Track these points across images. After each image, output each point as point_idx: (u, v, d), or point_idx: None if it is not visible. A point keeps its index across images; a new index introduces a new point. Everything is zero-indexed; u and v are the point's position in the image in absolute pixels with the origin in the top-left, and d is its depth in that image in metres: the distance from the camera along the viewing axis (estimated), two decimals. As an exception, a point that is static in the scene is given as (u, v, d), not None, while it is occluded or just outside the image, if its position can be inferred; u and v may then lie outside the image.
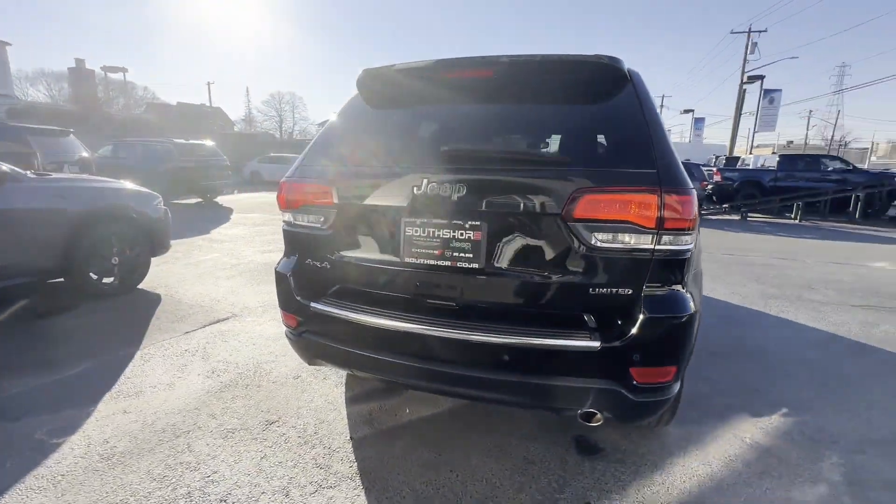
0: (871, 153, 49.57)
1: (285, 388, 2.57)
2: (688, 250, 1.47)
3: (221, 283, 4.65)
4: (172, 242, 4.84)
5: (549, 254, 1.52)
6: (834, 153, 32.21)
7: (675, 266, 1.48)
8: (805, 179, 13.29)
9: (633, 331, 1.42)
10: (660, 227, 1.39)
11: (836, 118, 56.88)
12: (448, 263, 1.59)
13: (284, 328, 2.06)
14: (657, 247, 1.42)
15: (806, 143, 53.46)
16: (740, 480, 1.88)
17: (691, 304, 1.49)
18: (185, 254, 5.88)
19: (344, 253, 1.77)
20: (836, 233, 9.72)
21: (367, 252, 1.74)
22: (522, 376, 1.52)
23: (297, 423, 2.24)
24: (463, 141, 1.72)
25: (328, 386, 2.61)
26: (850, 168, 13.77)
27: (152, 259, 4.49)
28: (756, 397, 2.55)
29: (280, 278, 1.93)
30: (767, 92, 24.46)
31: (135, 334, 3.28)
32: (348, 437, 2.14)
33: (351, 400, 2.47)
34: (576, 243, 1.47)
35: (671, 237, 1.42)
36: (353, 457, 2.00)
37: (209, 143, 12.66)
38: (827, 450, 2.10)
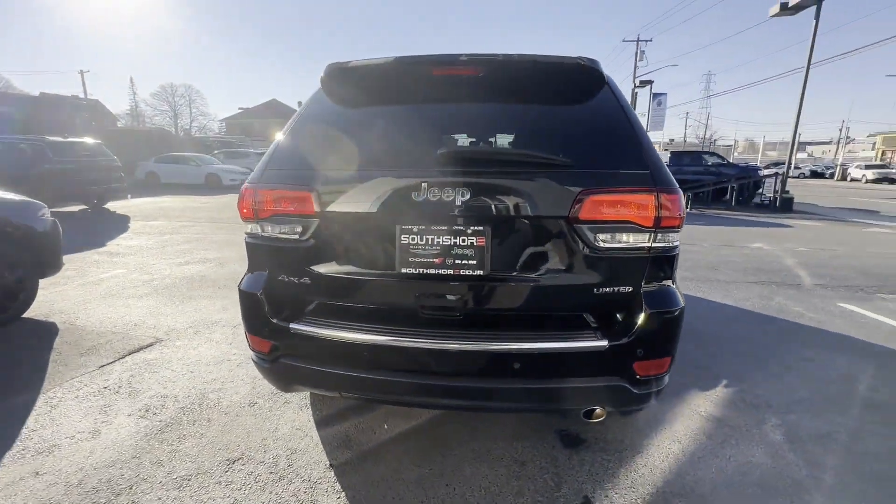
0: (734, 150, 58.18)
1: (242, 419, 2.29)
2: (677, 247, 1.56)
3: (135, 303, 4.03)
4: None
5: (554, 256, 1.52)
6: (707, 150, 37.21)
7: (668, 263, 1.56)
8: (691, 173, 15.15)
9: (637, 327, 1.48)
10: (656, 226, 1.46)
11: (707, 119, 65.88)
12: (450, 272, 1.51)
13: (252, 354, 1.82)
14: (653, 245, 1.49)
15: (685, 141, 61.19)
16: (707, 452, 2.06)
17: (681, 297, 1.59)
18: (79, 272, 5.01)
19: (327, 266, 1.59)
20: (719, 219, 11.20)
21: (356, 264, 1.59)
22: (531, 382, 1.50)
23: (266, 456, 2.01)
24: (453, 142, 1.64)
25: (291, 410, 2.37)
26: (725, 162, 16.00)
27: (41, 281, 3.75)
28: (700, 373, 2.82)
29: (247, 298, 1.69)
30: (656, 95, 27.43)
31: (31, 375, 2.70)
32: (328, 465, 1.96)
33: (321, 423, 2.27)
34: (580, 245, 1.48)
35: (665, 235, 1.49)
36: (338, 486, 1.84)
37: (92, 140, 10.92)
38: (765, 413, 2.39)
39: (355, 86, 1.80)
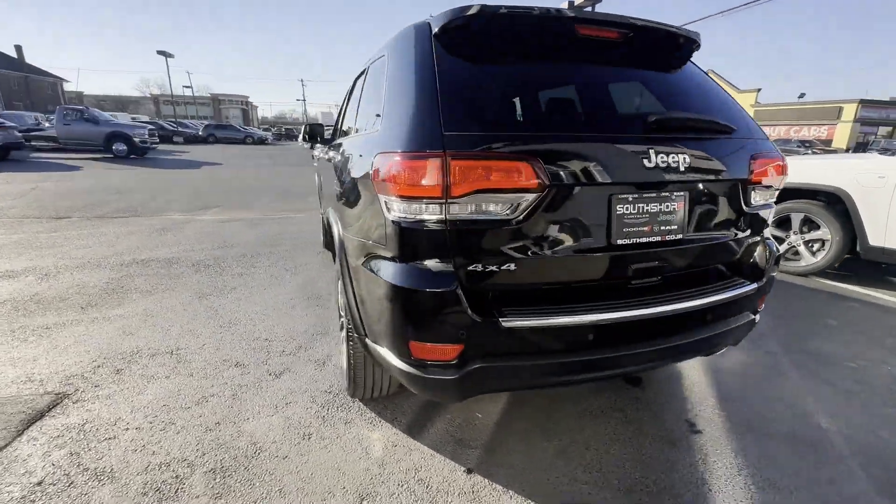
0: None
1: (312, 456, 1.81)
2: None
3: (-53, 352, 2.53)
4: None
5: (728, 215, 1.67)
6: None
7: (770, 214, 1.91)
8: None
9: (769, 269, 1.79)
10: (778, 186, 1.78)
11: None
12: (658, 238, 1.50)
13: (408, 370, 1.42)
14: (775, 200, 1.82)
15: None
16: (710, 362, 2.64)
17: None
18: None
19: (536, 247, 1.37)
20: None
21: (567, 241, 1.40)
22: (710, 330, 1.66)
23: (391, 485, 1.67)
24: (628, 105, 1.58)
25: (363, 428, 1.99)
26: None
27: None
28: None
29: (428, 298, 1.30)
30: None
31: None
32: (467, 470, 1.76)
33: (412, 432, 1.98)
34: (745, 203, 1.69)
35: (778, 192, 1.83)
36: (498, 486, 1.68)
37: None
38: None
39: (505, 38, 1.53)
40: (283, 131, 54.17)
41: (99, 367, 2.44)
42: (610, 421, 2.09)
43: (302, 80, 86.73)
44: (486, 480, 1.71)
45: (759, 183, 1.71)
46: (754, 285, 1.72)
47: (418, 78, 1.44)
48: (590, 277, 1.49)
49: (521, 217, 1.33)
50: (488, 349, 1.39)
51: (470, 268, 1.35)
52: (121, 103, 67.09)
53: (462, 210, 1.30)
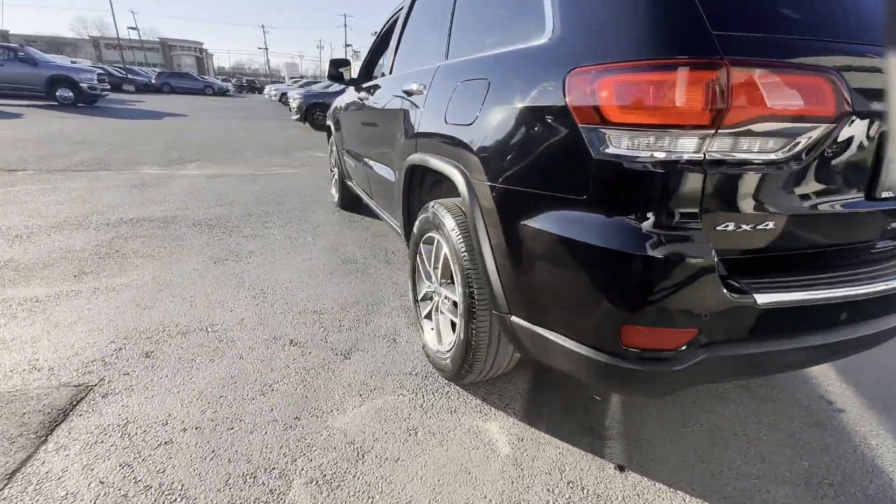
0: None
1: (423, 459, 1.49)
2: None
3: (-88, 334, 1.99)
4: None
5: None
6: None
7: None
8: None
9: None
10: None
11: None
12: None
13: (611, 358, 1.08)
14: None
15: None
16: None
17: None
18: None
19: (801, 199, 1.02)
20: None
21: (833, 191, 1.07)
22: None
23: (537, 491, 1.38)
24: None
25: (470, 421, 1.68)
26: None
27: None
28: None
29: (683, 270, 0.94)
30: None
31: None
32: (616, 467, 1.49)
33: (532, 421, 1.69)
34: None
35: None
36: (660, 485, 1.43)
37: None
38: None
39: None
40: (245, 83, 50.59)
41: (120, 349, 1.98)
42: (742, 401, 1.86)
43: (263, 27, 79.97)
44: (647, 479, 1.45)
45: None
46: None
47: None
48: (840, 240, 1.18)
49: (797, 157, 0.98)
50: (725, 333, 1.07)
51: (719, 227, 1.00)
52: (55, 45, 60.08)
53: (730, 145, 0.93)
